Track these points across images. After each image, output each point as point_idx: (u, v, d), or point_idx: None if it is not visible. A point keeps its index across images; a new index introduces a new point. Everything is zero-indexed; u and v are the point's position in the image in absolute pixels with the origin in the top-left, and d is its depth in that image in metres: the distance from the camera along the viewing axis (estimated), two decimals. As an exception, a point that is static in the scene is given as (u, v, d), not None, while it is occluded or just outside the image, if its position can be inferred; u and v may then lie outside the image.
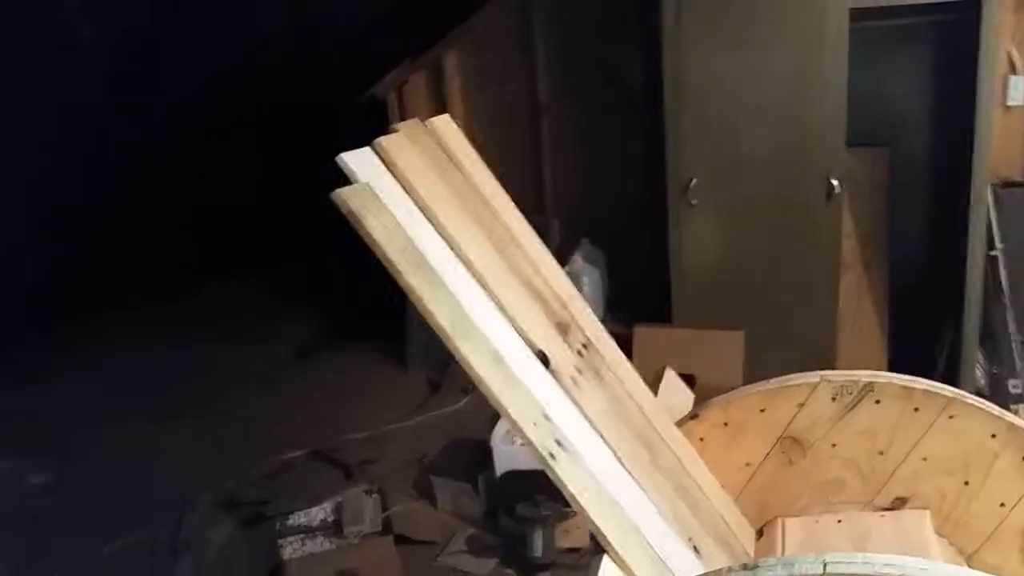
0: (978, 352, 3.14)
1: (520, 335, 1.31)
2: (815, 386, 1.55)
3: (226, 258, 5.02)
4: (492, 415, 3.25)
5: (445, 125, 1.50)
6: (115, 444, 3.33)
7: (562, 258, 3.59)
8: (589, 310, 1.59)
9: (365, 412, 3.47)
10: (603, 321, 3.67)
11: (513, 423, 1.18)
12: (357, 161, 1.23)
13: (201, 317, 4.58)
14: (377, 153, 1.28)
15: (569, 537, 2.55)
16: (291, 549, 2.59)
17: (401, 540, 2.64)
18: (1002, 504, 1.49)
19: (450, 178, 1.44)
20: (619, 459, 1.35)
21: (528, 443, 1.18)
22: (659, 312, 3.38)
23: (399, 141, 1.34)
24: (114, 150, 4.74)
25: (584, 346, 1.49)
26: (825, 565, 1.01)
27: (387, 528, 2.70)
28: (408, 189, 1.30)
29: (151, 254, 4.84)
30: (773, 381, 1.60)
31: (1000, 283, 3.02)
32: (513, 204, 1.56)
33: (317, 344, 4.15)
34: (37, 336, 4.23)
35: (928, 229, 3.39)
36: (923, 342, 3.24)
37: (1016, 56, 3.04)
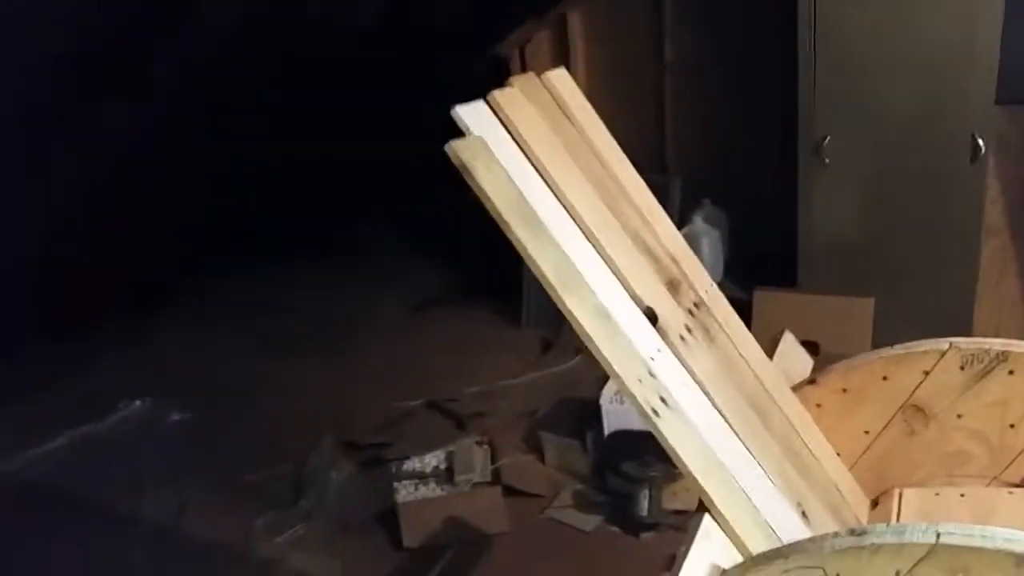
0: None
1: (628, 291, 1.31)
2: (943, 353, 1.47)
3: (356, 210, 5.22)
4: (602, 375, 3.24)
5: (561, 79, 1.50)
6: (249, 385, 3.55)
7: (683, 218, 3.53)
8: (703, 269, 1.56)
9: (479, 367, 3.55)
10: (721, 285, 3.60)
11: (617, 378, 1.17)
12: (471, 114, 1.24)
13: (328, 267, 4.78)
14: (491, 107, 1.30)
15: (676, 499, 2.53)
16: (405, 492, 2.70)
17: (509, 491, 2.70)
18: None
19: (563, 132, 1.43)
20: (727, 420, 1.33)
21: (632, 399, 1.18)
22: (782, 277, 3.27)
23: (513, 95, 1.35)
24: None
25: (695, 305, 1.46)
26: (938, 535, 0.97)
27: (496, 479, 2.77)
28: (521, 142, 1.30)
29: (294, 203, 5.07)
30: (898, 347, 1.52)
31: None
32: (627, 160, 1.55)
33: (435, 298, 4.26)
34: (187, 284, 4.53)
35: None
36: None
37: None
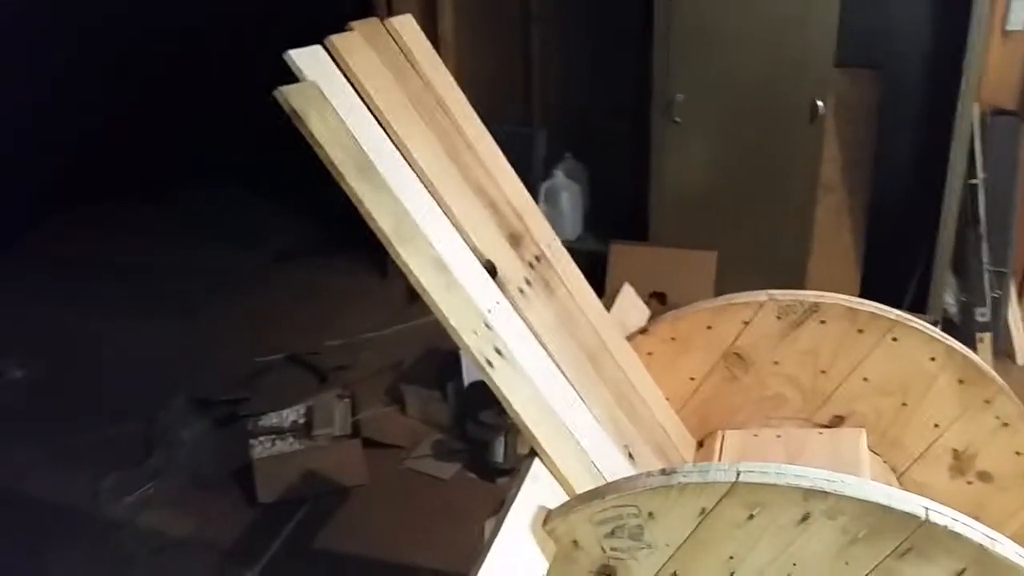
0: (951, 280, 3.17)
1: (468, 243, 1.32)
2: (761, 304, 1.58)
3: (213, 159, 4.98)
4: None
5: (406, 25, 1.48)
6: (97, 340, 3.38)
7: (547, 171, 3.57)
8: (547, 225, 1.59)
9: (343, 319, 3.51)
10: (580, 238, 3.64)
11: (453, 330, 1.19)
12: (306, 59, 1.21)
13: (188, 217, 4.58)
14: (328, 52, 1.27)
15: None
16: (260, 448, 2.66)
17: (369, 443, 2.71)
18: (936, 425, 1.53)
19: (406, 81, 1.42)
20: (560, 368, 1.38)
21: (467, 350, 1.21)
22: (639, 230, 3.39)
23: (353, 40, 1.32)
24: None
25: (536, 258, 1.50)
26: (739, 474, 1.05)
27: (356, 432, 2.77)
28: (359, 90, 1.28)
29: (147, 151, 4.78)
30: (721, 299, 1.62)
31: (977, 212, 3.02)
32: (474, 113, 1.55)
33: (298, 249, 4.16)
34: (35, 231, 4.24)
35: (915, 155, 3.36)
36: (898, 268, 3.26)
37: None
